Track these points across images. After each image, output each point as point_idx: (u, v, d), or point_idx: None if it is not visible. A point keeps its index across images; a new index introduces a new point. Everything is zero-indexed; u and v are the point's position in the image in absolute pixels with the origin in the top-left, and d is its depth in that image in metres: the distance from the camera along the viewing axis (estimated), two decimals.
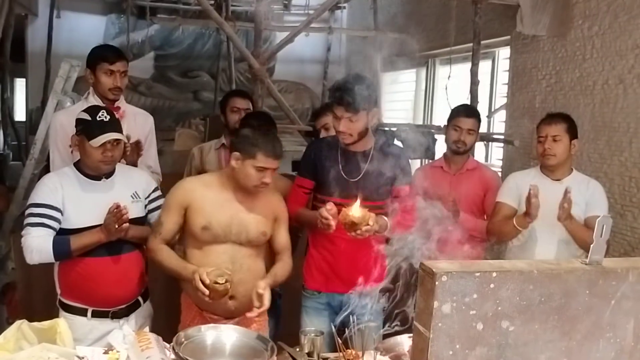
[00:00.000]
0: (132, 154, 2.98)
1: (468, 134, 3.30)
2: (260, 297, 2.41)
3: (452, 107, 3.57)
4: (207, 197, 2.52)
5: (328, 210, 2.55)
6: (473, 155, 3.62)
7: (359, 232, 2.52)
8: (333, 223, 2.55)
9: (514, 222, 2.90)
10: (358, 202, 2.51)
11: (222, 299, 2.36)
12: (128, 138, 2.85)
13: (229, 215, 2.51)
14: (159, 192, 2.78)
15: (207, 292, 2.31)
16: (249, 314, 2.44)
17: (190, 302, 2.57)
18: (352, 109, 2.63)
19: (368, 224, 2.51)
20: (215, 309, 2.49)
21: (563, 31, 4.17)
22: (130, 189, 2.65)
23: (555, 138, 2.93)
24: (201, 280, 2.32)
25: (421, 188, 3.36)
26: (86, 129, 2.50)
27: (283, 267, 2.65)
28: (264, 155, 2.45)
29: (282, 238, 2.69)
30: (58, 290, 2.63)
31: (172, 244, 2.60)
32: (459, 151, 3.33)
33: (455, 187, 3.27)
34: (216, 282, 2.30)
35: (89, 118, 2.51)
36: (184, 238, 2.62)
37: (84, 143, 2.51)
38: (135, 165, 3.04)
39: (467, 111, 3.44)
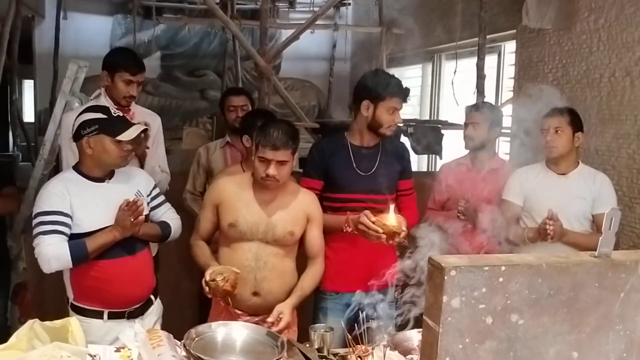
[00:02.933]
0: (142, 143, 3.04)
1: (473, 128, 3.30)
2: (277, 320, 2.47)
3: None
4: (237, 195, 2.57)
5: (370, 219, 2.54)
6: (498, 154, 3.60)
7: (397, 239, 2.53)
8: (384, 235, 2.53)
9: (526, 236, 2.90)
10: (392, 209, 2.52)
11: (227, 296, 2.41)
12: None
13: (257, 214, 2.54)
14: (158, 189, 2.81)
15: (207, 289, 2.38)
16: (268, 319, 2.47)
17: (219, 300, 2.59)
18: (406, 101, 2.79)
19: (403, 230, 2.53)
20: (239, 305, 2.54)
21: (569, 24, 4.15)
22: (133, 187, 2.65)
23: (557, 130, 2.93)
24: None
25: (445, 183, 3.40)
26: (107, 126, 2.47)
27: (314, 275, 2.68)
28: (262, 146, 2.46)
29: (316, 240, 2.68)
30: (70, 295, 2.61)
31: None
32: (468, 147, 3.33)
33: (478, 185, 3.26)
34: (213, 280, 2.35)
35: (104, 116, 2.49)
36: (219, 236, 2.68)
37: (103, 141, 2.47)
38: (144, 152, 3.06)
39: (472, 106, 3.47)
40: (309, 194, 2.71)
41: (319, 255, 2.70)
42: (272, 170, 2.47)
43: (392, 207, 2.54)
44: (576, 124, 2.97)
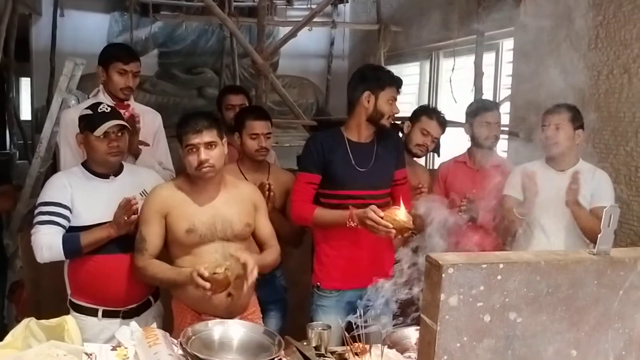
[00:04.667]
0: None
1: (490, 127, 3.33)
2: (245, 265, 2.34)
3: (469, 104, 3.60)
4: (184, 199, 2.49)
5: (379, 214, 2.51)
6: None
7: (406, 234, 2.52)
8: (394, 231, 2.51)
9: (515, 211, 2.92)
10: (403, 205, 2.51)
11: (225, 290, 2.30)
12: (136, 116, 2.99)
13: (211, 214, 2.48)
14: None
15: (208, 285, 2.24)
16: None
17: (184, 308, 2.52)
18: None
19: (412, 225, 2.51)
20: (215, 310, 2.44)
21: (567, 21, 4.15)
22: (138, 186, 2.66)
23: (558, 126, 2.93)
24: (200, 276, 2.25)
25: (444, 182, 3.40)
26: (89, 122, 2.53)
27: (272, 252, 2.62)
28: (185, 135, 2.44)
29: (264, 226, 2.64)
30: (68, 291, 2.64)
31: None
32: (486, 146, 3.35)
33: (478, 183, 3.26)
34: (215, 273, 2.25)
35: (91, 112, 2.54)
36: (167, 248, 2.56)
37: (89, 138, 2.53)
38: (136, 149, 3.04)
39: (486, 105, 3.49)
40: (249, 184, 2.71)
41: (272, 237, 2.65)
42: (203, 155, 2.41)
43: (401, 203, 2.52)
44: (577, 121, 2.97)
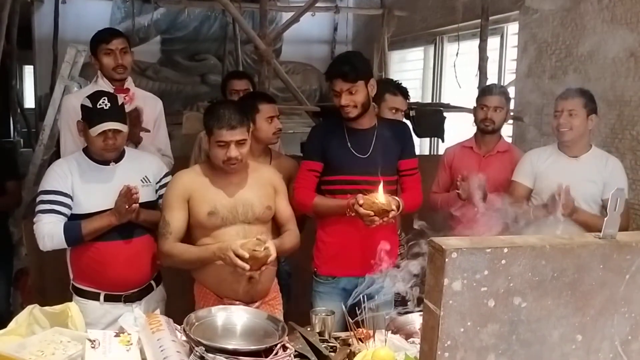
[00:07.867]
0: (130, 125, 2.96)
1: (494, 111, 3.28)
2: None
3: (480, 88, 3.57)
4: (206, 184, 2.50)
5: (360, 203, 2.51)
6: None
7: (385, 218, 2.50)
8: (378, 220, 2.51)
9: (532, 213, 2.87)
10: (382, 188, 2.50)
11: (260, 269, 2.32)
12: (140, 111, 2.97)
13: (232, 197, 2.49)
14: (170, 177, 2.76)
15: (247, 266, 2.25)
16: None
17: (207, 291, 2.54)
18: (349, 80, 2.65)
19: (392, 209, 2.50)
20: (236, 294, 2.47)
21: (572, 5, 4.11)
22: (140, 173, 2.65)
23: (572, 112, 2.89)
24: (238, 255, 2.26)
25: (449, 167, 3.39)
26: (87, 116, 2.51)
27: (290, 235, 2.62)
28: (217, 129, 2.40)
29: (284, 209, 2.65)
30: (71, 275, 2.66)
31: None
32: (487, 130, 3.30)
33: (485, 168, 3.23)
34: (255, 250, 2.26)
35: (90, 105, 2.50)
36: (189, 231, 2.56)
37: (86, 131, 2.51)
38: (138, 138, 3.03)
39: (493, 89, 3.44)
40: (270, 167, 2.70)
41: (290, 222, 2.65)
42: (233, 152, 2.41)
43: (380, 185, 2.51)
44: (590, 106, 2.92)
